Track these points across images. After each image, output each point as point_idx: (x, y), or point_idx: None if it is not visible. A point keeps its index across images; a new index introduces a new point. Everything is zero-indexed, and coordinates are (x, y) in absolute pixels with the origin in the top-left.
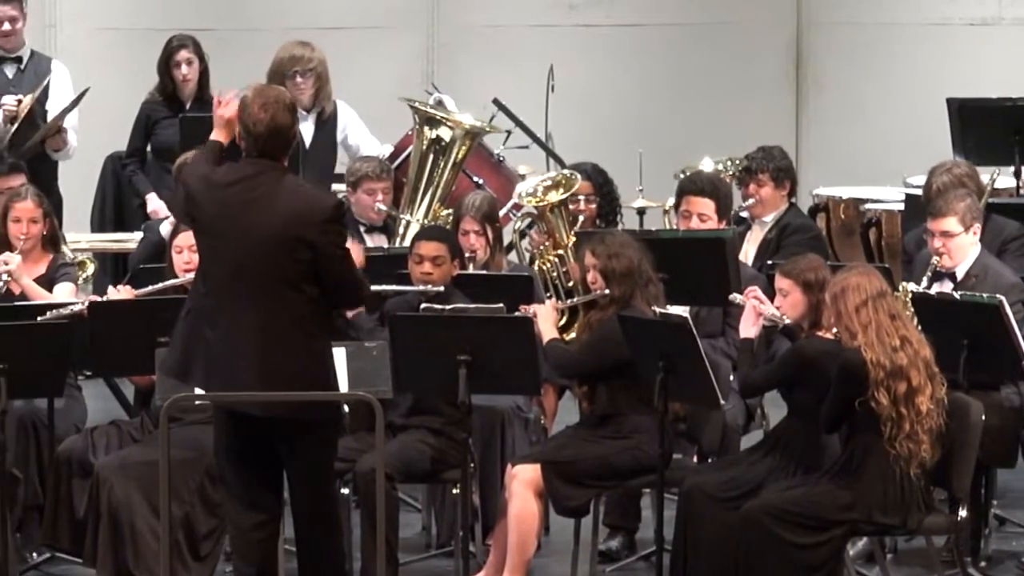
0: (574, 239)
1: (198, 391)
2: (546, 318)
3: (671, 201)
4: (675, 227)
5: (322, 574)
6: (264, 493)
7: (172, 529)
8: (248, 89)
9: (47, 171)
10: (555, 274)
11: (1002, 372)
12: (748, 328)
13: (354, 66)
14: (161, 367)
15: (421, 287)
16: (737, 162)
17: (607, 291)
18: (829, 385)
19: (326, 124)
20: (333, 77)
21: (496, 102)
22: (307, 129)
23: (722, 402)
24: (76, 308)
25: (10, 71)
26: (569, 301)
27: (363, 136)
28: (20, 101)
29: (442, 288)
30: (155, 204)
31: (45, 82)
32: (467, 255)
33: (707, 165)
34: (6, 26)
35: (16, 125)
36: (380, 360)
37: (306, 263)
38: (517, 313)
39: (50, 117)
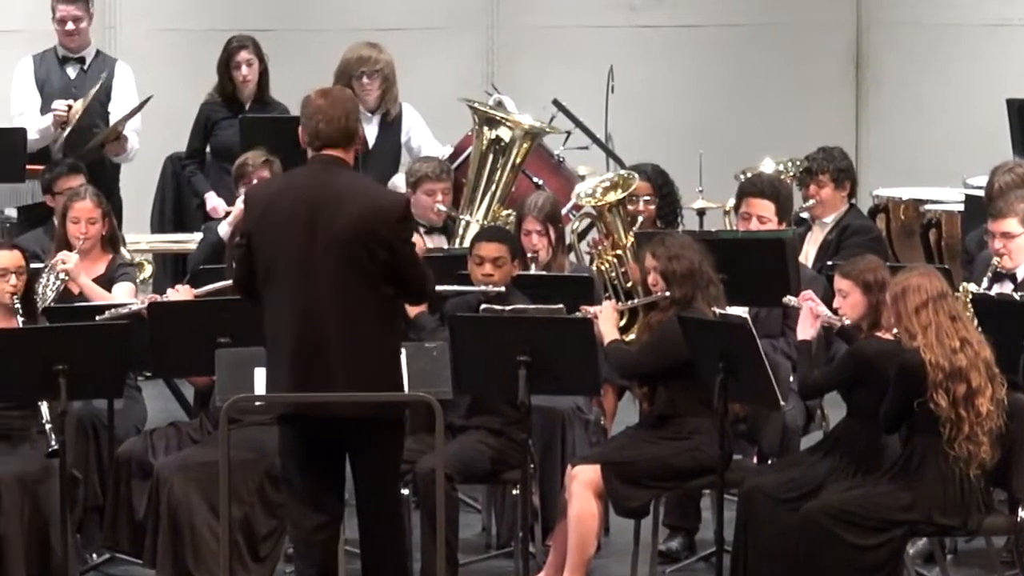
0: (633, 240)
1: (259, 391)
2: (607, 319)
3: (731, 202)
4: (735, 228)
5: (385, 574)
6: (327, 494)
7: (232, 530)
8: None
9: (109, 174)
10: (614, 275)
11: None
12: (805, 330)
13: (414, 67)
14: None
15: (482, 288)
16: (797, 163)
17: (667, 292)
18: (888, 386)
19: (391, 126)
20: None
21: (556, 103)
22: (371, 131)
23: (782, 403)
24: (135, 308)
25: (72, 72)
26: (630, 303)
27: (426, 139)
28: (70, 107)
29: (503, 289)
30: (214, 202)
31: (98, 85)
32: (529, 255)
33: (767, 166)
34: (69, 25)
35: (68, 129)
36: (440, 361)
37: (381, 261)
38: (577, 314)
39: (112, 119)
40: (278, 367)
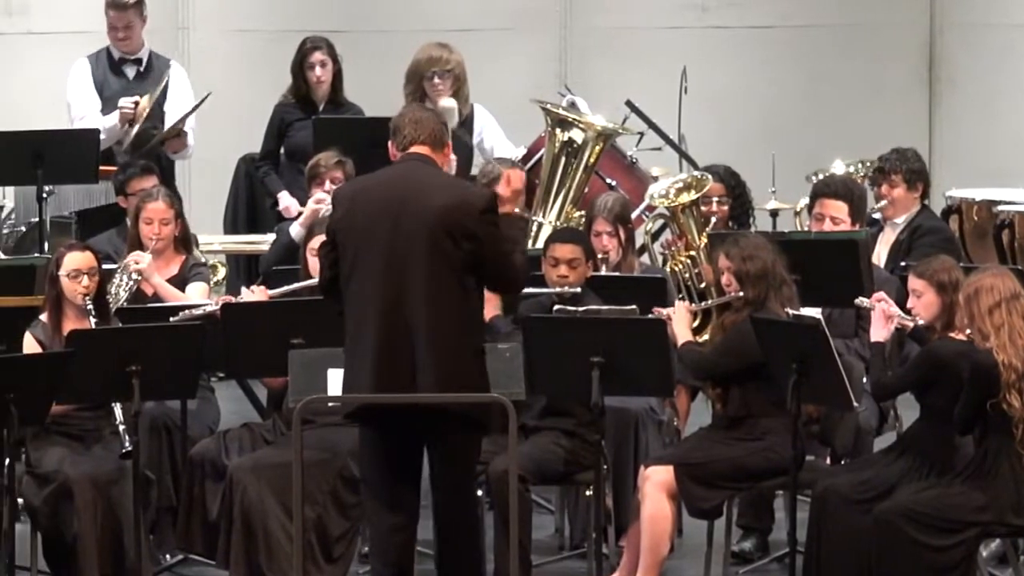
0: (706, 241)
1: (332, 392)
2: (680, 320)
3: (803, 202)
4: (806, 229)
5: (462, 573)
6: (405, 494)
7: (305, 531)
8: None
9: (166, 173)
10: (687, 275)
11: None
12: (878, 332)
13: (487, 68)
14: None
15: (557, 289)
16: (868, 164)
17: (741, 293)
18: (962, 387)
19: (462, 127)
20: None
21: (629, 104)
22: None
23: (855, 404)
24: (209, 309)
25: (131, 72)
26: (703, 304)
27: (499, 140)
28: (137, 103)
29: (578, 290)
30: (287, 201)
31: (164, 82)
32: (599, 256)
33: (838, 168)
34: (120, 33)
35: (137, 127)
36: (513, 362)
37: (468, 253)
38: (651, 315)
39: (168, 118)
40: (360, 361)
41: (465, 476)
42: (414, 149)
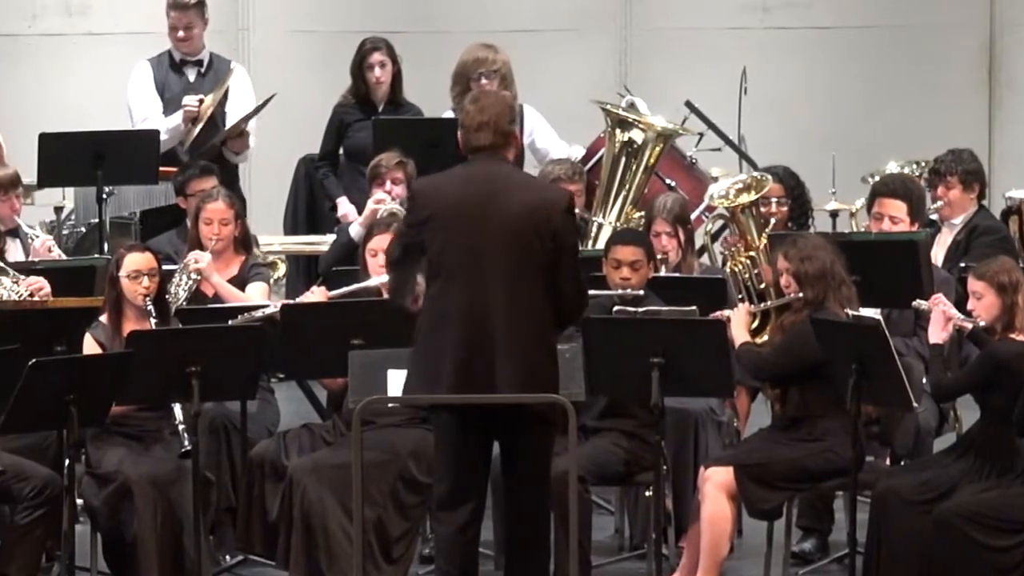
0: (766, 241)
1: (391, 393)
2: (739, 322)
3: (860, 203)
4: (863, 229)
5: (531, 572)
6: (474, 493)
7: (365, 532)
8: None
9: (229, 174)
10: (747, 276)
11: None
12: (937, 333)
13: (547, 69)
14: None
15: (620, 291)
16: (922, 165)
17: (800, 294)
18: (1022, 388)
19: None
20: (526, 79)
21: (689, 104)
22: None
23: (915, 405)
24: (269, 311)
25: (191, 74)
26: (762, 305)
27: (550, 139)
28: (201, 101)
29: (641, 292)
30: (345, 208)
31: (227, 82)
32: (658, 257)
33: (892, 168)
34: (181, 33)
35: (199, 126)
36: (573, 363)
37: (550, 252)
38: (710, 317)
39: (229, 119)
40: (439, 358)
41: (544, 473)
42: (487, 147)
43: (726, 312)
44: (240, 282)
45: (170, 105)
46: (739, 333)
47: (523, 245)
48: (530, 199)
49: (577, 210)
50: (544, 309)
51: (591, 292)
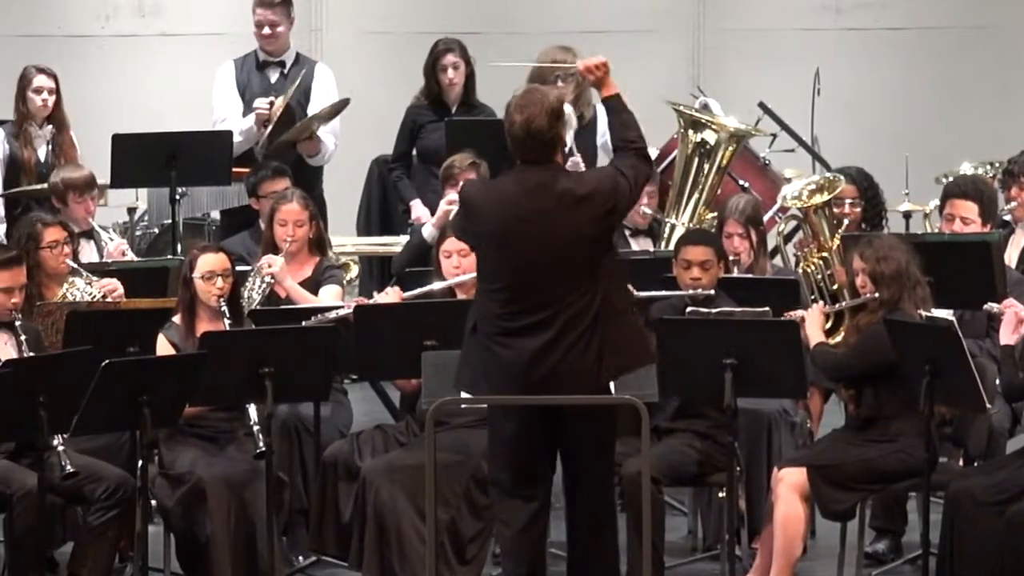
0: (839, 242)
1: (464, 395)
2: (814, 322)
3: (933, 204)
4: (937, 230)
5: (599, 571)
6: (538, 493)
7: (438, 533)
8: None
9: (311, 175)
10: (819, 277)
11: None
12: (1008, 335)
13: (620, 70)
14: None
15: (691, 291)
16: (996, 165)
17: (876, 294)
18: None
19: (585, 129)
20: None
21: (762, 105)
22: (567, 134)
23: (988, 406)
24: (342, 312)
25: (273, 75)
26: (837, 305)
27: None
28: (272, 103)
29: (712, 292)
30: (419, 211)
31: (297, 82)
32: (731, 258)
33: (966, 169)
34: (266, 30)
35: (270, 128)
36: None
37: (605, 242)
38: (784, 318)
39: None
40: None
41: (608, 473)
42: (531, 157)
43: (800, 312)
44: (313, 284)
45: (250, 105)
46: (814, 333)
47: (573, 256)
48: (577, 215)
49: (650, 211)
50: (604, 291)
51: (662, 292)
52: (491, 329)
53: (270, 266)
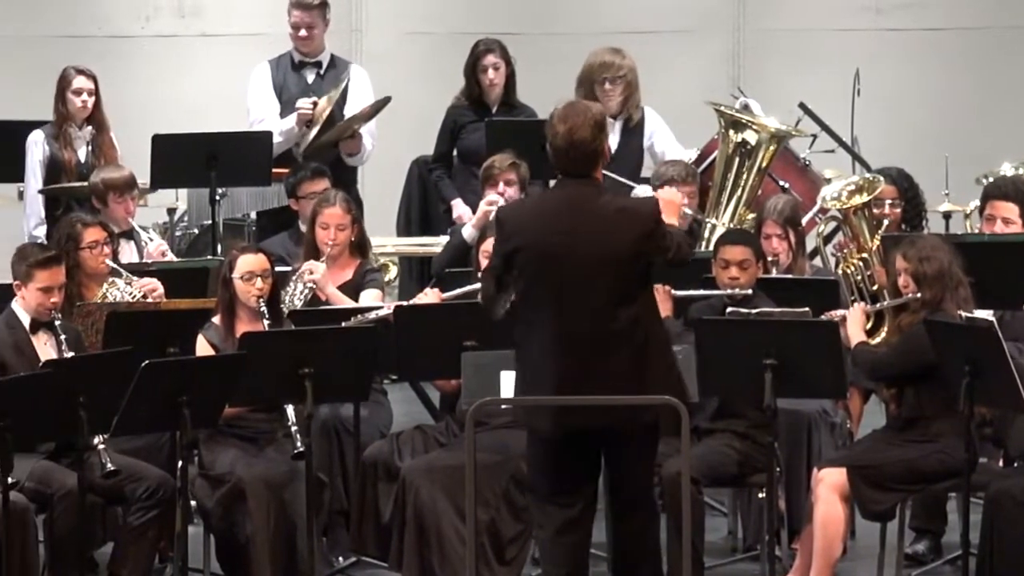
0: (878, 243)
1: (504, 394)
2: (855, 322)
3: (973, 204)
4: (977, 231)
5: (641, 572)
6: (576, 500)
7: (478, 533)
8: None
9: (347, 175)
10: (859, 277)
11: None
12: None
13: (661, 70)
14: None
15: (728, 291)
16: None
17: (918, 294)
18: None
19: (633, 131)
20: (639, 81)
21: (802, 106)
22: (613, 136)
23: None
24: (382, 312)
25: (310, 76)
26: (878, 305)
27: (669, 143)
28: (315, 104)
29: (749, 292)
30: (460, 210)
31: (343, 84)
32: (769, 259)
33: (1006, 170)
34: (303, 32)
35: (316, 129)
36: (685, 364)
37: (643, 271)
38: (824, 318)
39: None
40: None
41: (649, 476)
42: (572, 170)
43: (841, 312)
44: (354, 287)
45: (287, 106)
46: (855, 333)
47: (610, 274)
48: (614, 233)
49: (690, 211)
50: (643, 317)
51: (700, 292)
52: (532, 347)
53: (311, 273)
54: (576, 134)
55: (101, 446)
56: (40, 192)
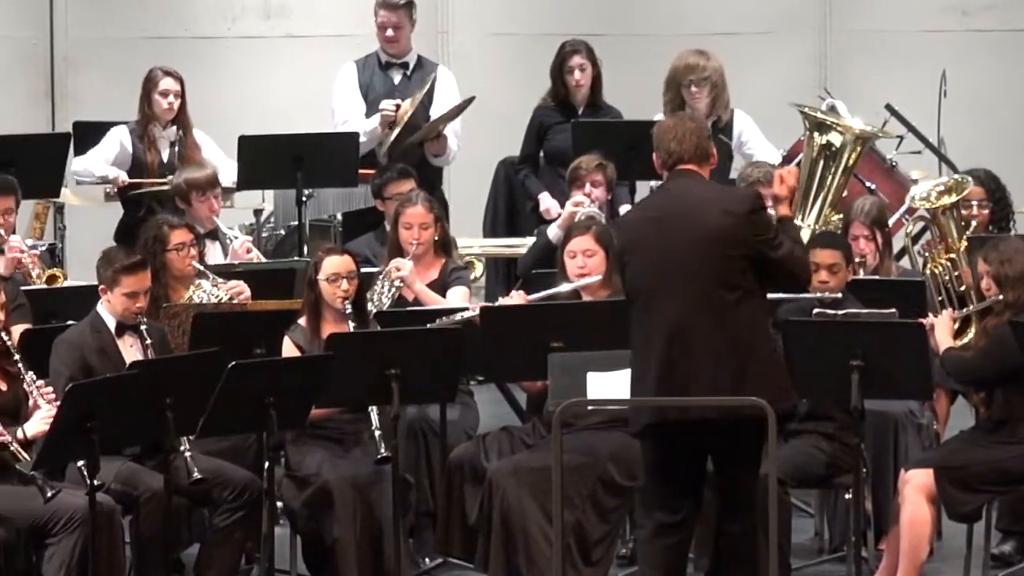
0: (966, 244)
1: (591, 396)
2: (943, 328)
3: None
4: None
5: (745, 570)
6: (679, 496)
7: (564, 535)
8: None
9: (432, 176)
10: (947, 278)
11: None
12: None
13: (746, 72)
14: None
15: (818, 295)
16: None
17: (1000, 296)
18: None
19: (722, 131)
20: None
21: (889, 107)
22: None
23: None
24: (468, 314)
25: (396, 77)
26: (964, 310)
27: (759, 143)
28: (399, 106)
29: (839, 295)
30: (548, 203)
31: (426, 86)
32: (856, 260)
33: None
34: (389, 32)
35: (397, 130)
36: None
37: (743, 260)
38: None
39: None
40: (644, 379)
41: (756, 474)
42: (680, 167)
43: (930, 319)
44: (440, 286)
45: (373, 107)
46: (943, 339)
47: (713, 264)
48: (715, 217)
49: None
50: (749, 316)
51: (789, 295)
52: (640, 342)
53: (399, 270)
54: (683, 129)
55: (188, 453)
56: (122, 191)
